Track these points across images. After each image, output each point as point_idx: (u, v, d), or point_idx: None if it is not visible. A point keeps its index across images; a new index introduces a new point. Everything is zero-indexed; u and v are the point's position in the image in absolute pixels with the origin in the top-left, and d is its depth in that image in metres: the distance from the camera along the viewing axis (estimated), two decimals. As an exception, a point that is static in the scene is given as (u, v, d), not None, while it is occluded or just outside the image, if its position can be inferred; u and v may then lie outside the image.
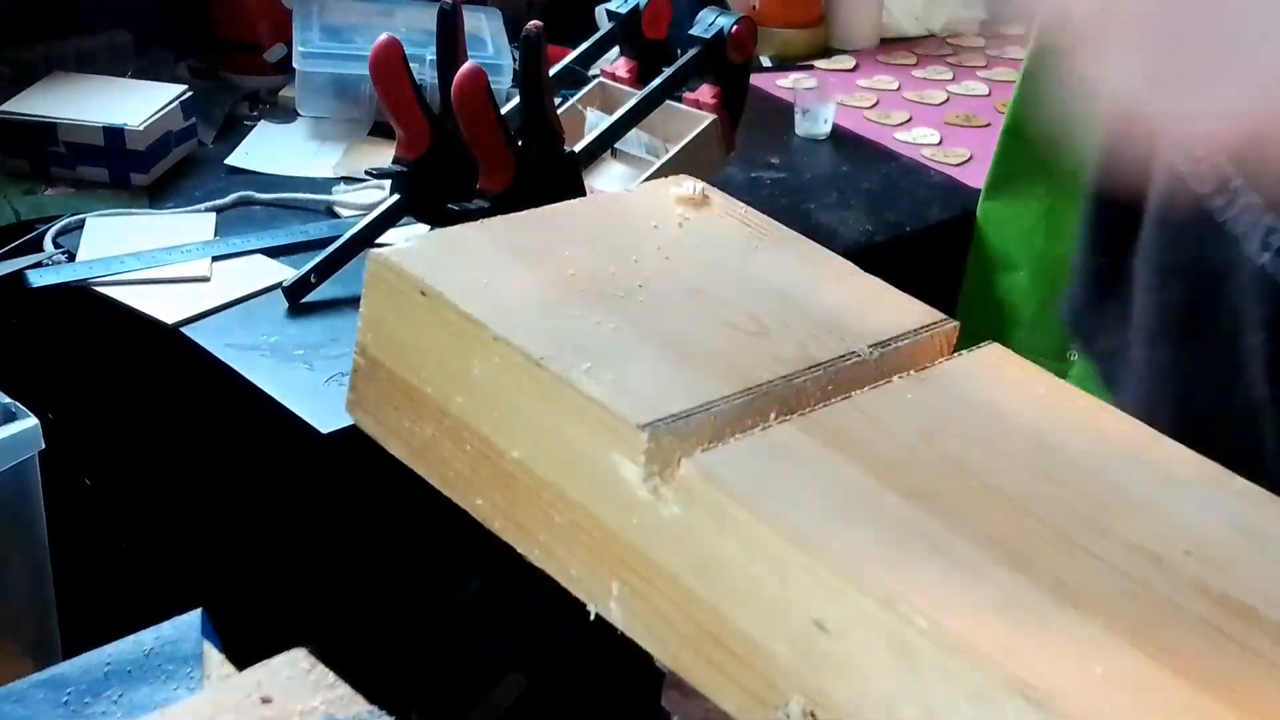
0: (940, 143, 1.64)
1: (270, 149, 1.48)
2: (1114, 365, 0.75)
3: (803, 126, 1.62)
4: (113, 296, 1.19)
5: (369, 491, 1.01)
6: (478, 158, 1.15)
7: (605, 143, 1.28)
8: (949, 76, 1.86)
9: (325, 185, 1.41)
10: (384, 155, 1.30)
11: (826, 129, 1.62)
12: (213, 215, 1.33)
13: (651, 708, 0.55)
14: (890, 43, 1.97)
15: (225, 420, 1.17)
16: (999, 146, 1.41)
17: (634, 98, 1.30)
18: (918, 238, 1.43)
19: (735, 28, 1.31)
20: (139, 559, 1.24)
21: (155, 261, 1.23)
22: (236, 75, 1.62)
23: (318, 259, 1.20)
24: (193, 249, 1.26)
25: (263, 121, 1.54)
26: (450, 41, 1.20)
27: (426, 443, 0.54)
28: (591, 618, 0.50)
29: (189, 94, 1.43)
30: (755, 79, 1.53)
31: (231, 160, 1.45)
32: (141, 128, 1.35)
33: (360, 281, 0.55)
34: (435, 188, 1.20)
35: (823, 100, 1.64)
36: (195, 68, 1.63)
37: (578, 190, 1.22)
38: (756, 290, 0.55)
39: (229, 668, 0.70)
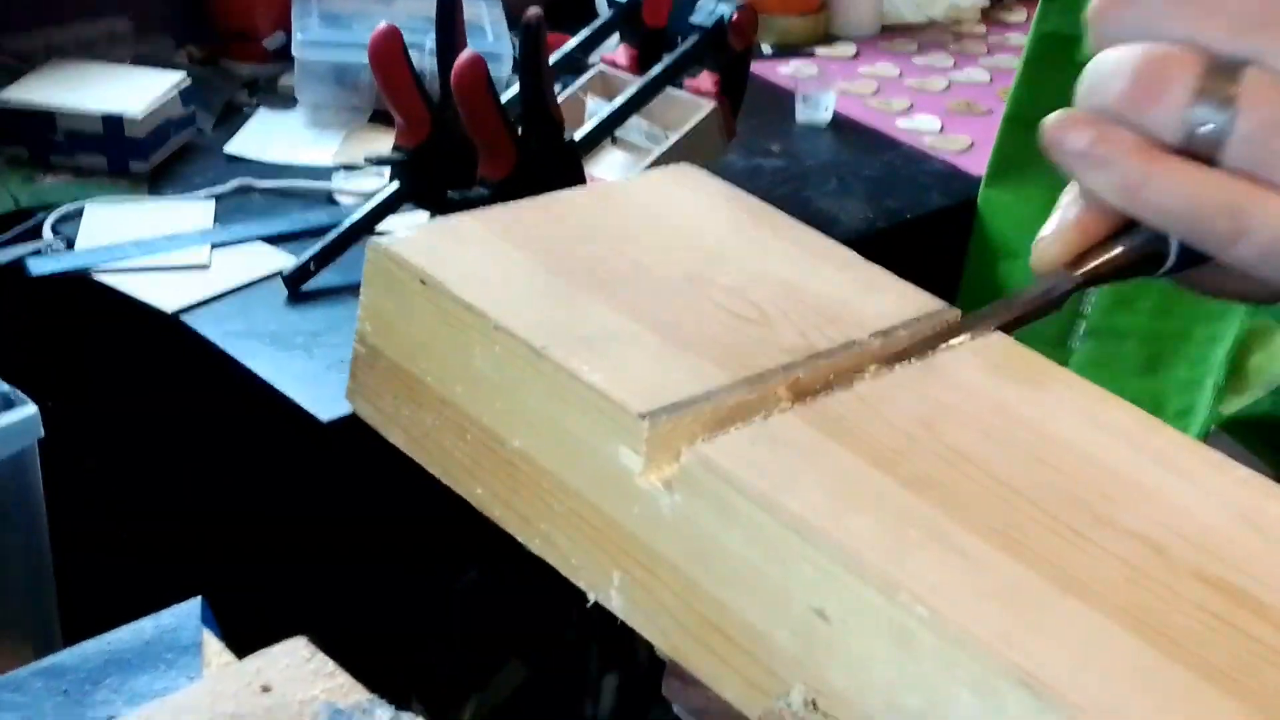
0: (941, 130, 1.64)
1: (270, 137, 1.48)
2: None
3: (804, 114, 1.62)
4: (112, 284, 1.18)
5: (369, 479, 1.01)
6: (478, 145, 1.15)
7: (605, 130, 1.28)
8: (950, 64, 1.86)
9: (325, 173, 1.40)
10: (383, 143, 1.30)
11: (827, 116, 1.62)
12: (212, 203, 1.33)
13: (652, 696, 0.55)
14: (891, 30, 1.96)
15: (225, 408, 1.17)
16: (1000, 134, 1.41)
17: (634, 85, 1.30)
18: (919, 225, 1.43)
19: (736, 15, 1.31)
20: (138, 547, 1.24)
21: (155, 249, 1.23)
22: (236, 63, 1.62)
23: (317, 247, 1.20)
24: (192, 237, 1.26)
25: (262, 109, 1.54)
26: (450, 29, 1.20)
27: (427, 431, 0.54)
28: (590, 606, 0.50)
29: (188, 82, 1.43)
30: (756, 66, 1.52)
31: (231, 148, 1.44)
32: (141, 115, 1.35)
33: (360, 269, 0.55)
34: (435, 175, 1.19)
35: (824, 87, 1.64)
36: (194, 55, 1.63)
37: (578, 178, 1.21)
38: (757, 278, 0.55)
39: (229, 656, 0.70)
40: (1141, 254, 0.52)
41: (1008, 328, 0.53)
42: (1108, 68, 0.46)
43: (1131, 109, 0.46)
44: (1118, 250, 0.52)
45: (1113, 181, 0.47)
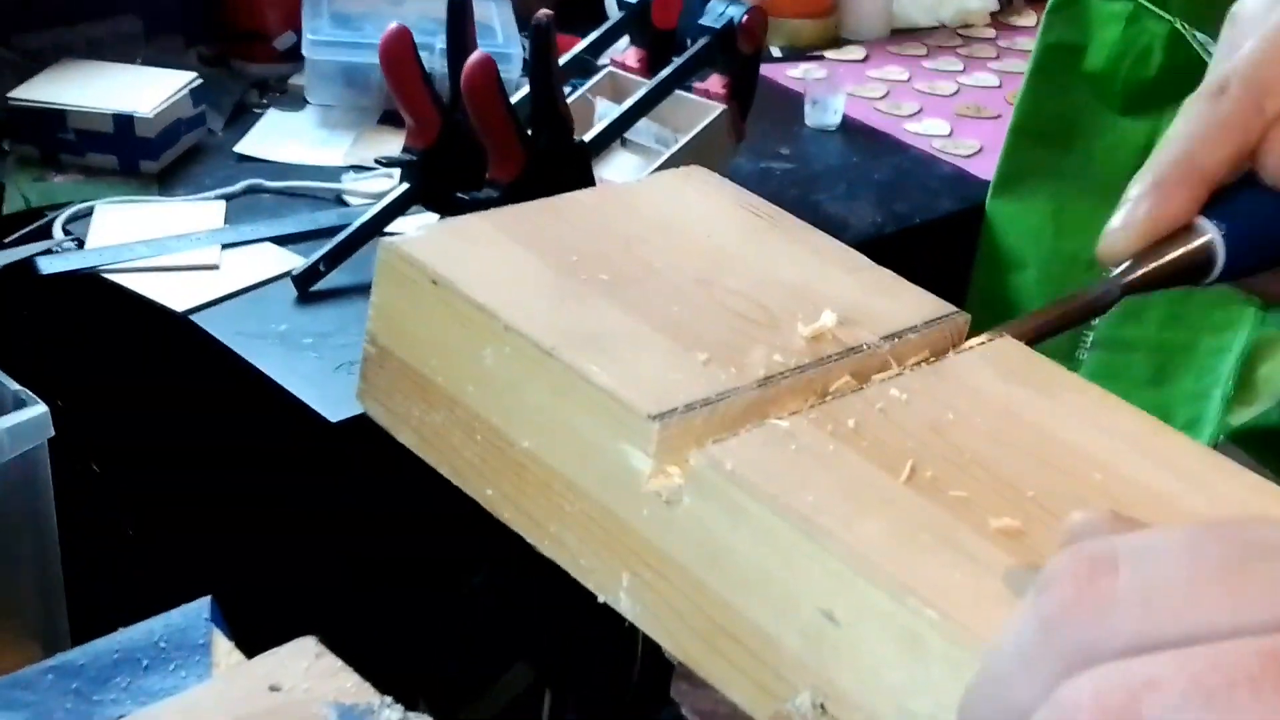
0: (950, 134, 1.63)
1: (280, 137, 1.48)
2: None
3: (813, 117, 1.62)
4: (122, 284, 1.19)
5: (378, 480, 1.01)
6: (487, 147, 1.15)
7: (615, 132, 1.28)
8: (959, 68, 1.86)
9: (334, 173, 1.41)
10: (393, 144, 1.30)
11: (836, 120, 1.62)
12: (222, 203, 1.33)
13: (660, 699, 0.56)
14: (901, 33, 1.96)
15: (234, 408, 1.17)
16: (1006, 145, 1.41)
17: (644, 87, 1.30)
18: (928, 229, 1.43)
19: (745, 17, 1.31)
20: (148, 546, 1.24)
21: (164, 249, 1.23)
22: (246, 63, 1.62)
23: (327, 247, 1.20)
24: (202, 237, 1.26)
25: (272, 109, 1.54)
26: (460, 30, 1.20)
27: (436, 432, 0.54)
28: (599, 606, 0.50)
29: (198, 81, 1.43)
30: (765, 69, 1.52)
31: (241, 148, 1.45)
32: (151, 115, 1.35)
33: (369, 270, 0.55)
34: (445, 177, 1.20)
35: (833, 91, 1.64)
36: (205, 55, 1.63)
37: (587, 180, 1.22)
38: (766, 281, 0.55)
39: (238, 655, 0.70)
40: (1191, 262, 0.53)
41: (1055, 328, 0.54)
42: None
43: None
44: (1168, 257, 0.53)
45: None
